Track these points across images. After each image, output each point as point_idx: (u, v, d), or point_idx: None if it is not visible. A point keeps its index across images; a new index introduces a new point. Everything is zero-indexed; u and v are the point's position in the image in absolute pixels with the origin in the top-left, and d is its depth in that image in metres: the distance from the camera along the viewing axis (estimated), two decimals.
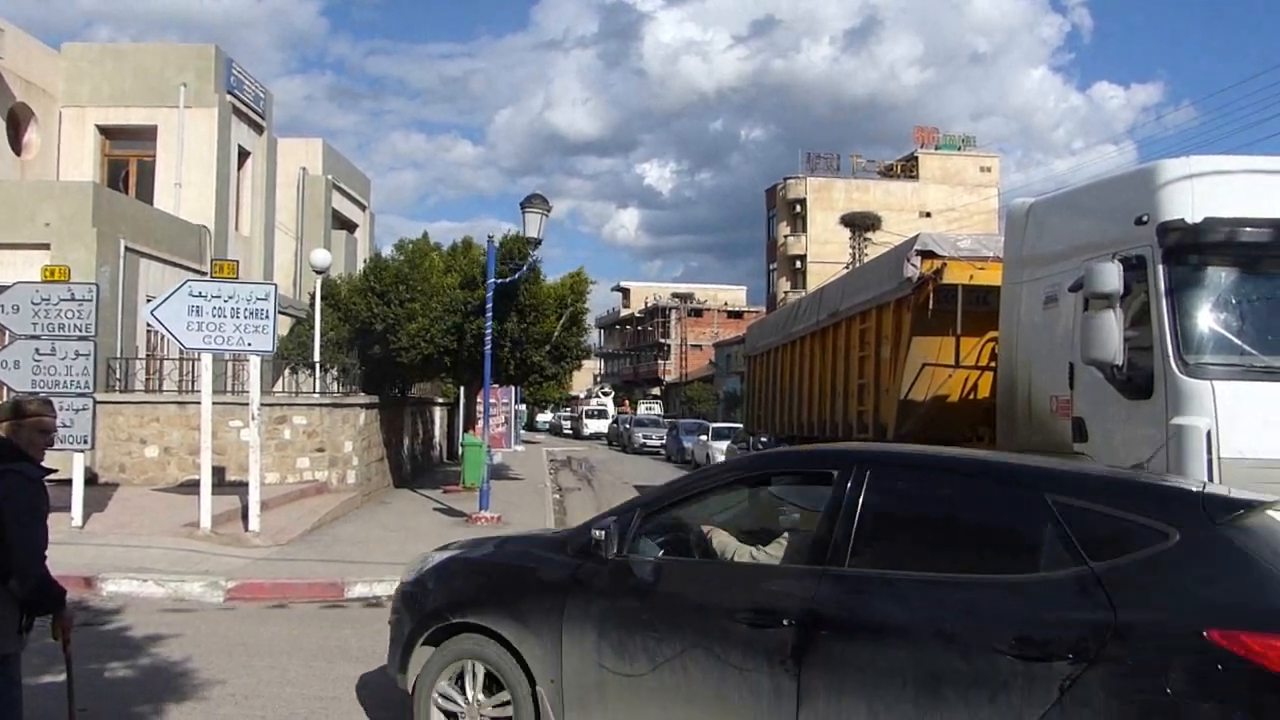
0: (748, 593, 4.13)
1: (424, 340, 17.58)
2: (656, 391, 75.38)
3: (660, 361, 78.46)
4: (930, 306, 9.59)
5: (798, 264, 58.77)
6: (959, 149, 62.46)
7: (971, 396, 9.74)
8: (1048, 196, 8.33)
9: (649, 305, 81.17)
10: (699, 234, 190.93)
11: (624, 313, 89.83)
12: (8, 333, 12.16)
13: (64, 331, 11.56)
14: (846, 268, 41.32)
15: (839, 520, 4.02)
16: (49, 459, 5.16)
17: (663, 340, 77.76)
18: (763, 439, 19.88)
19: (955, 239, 10.12)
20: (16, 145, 19.97)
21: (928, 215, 54.62)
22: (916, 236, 10.15)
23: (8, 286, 12.12)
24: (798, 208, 59.83)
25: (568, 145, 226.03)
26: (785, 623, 3.88)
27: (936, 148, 61.82)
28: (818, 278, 43.53)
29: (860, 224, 53.08)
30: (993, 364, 9.15)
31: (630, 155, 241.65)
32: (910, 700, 3.58)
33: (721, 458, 25.87)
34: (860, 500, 4.02)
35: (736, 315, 74.64)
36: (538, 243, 15.44)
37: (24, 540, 3.79)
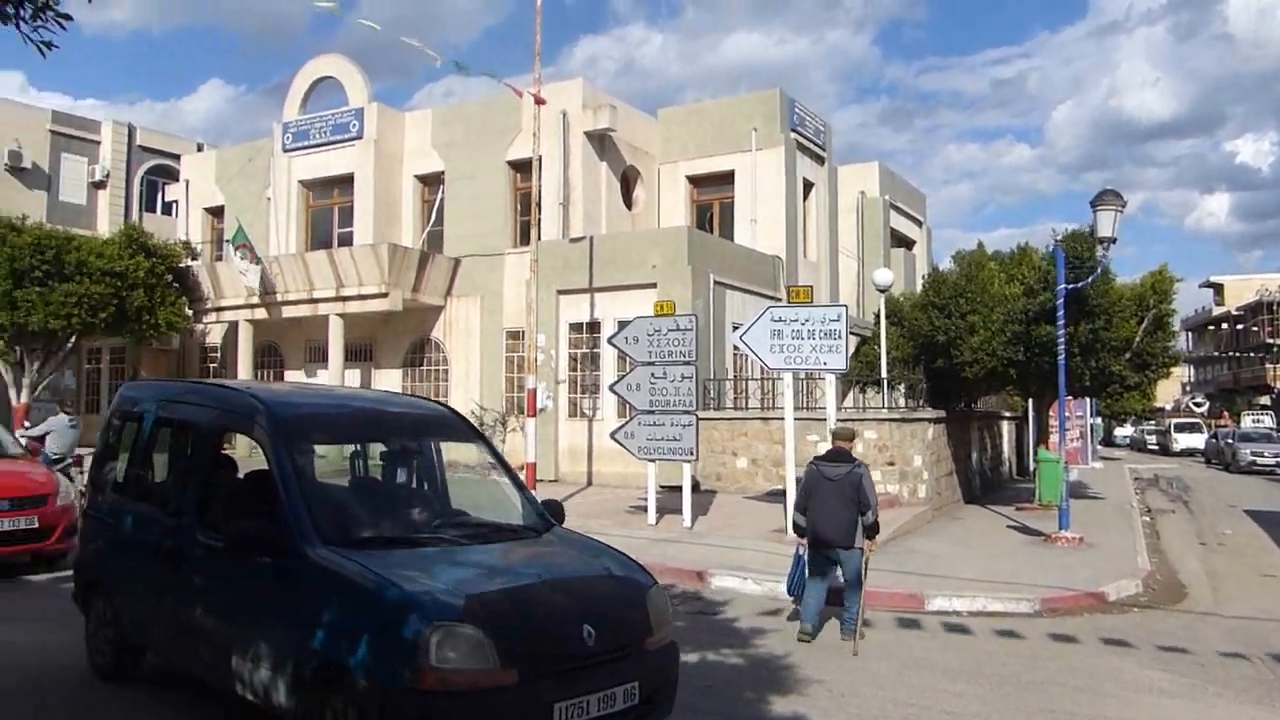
0: None
1: (986, 353, 17.15)
2: (1265, 401, 64.28)
3: (1269, 366, 66.80)
4: None
5: None
6: None
7: None
8: None
9: (1257, 300, 69.56)
10: None
11: (1216, 311, 78.18)
12: (628, 360, 14.40)
13: (672, 358, 13.36)
14: None
15: None
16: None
17: (1270, 340, 66.18)
18: None
19: None
20: (627, 201, 23.60)
21: None
22: None
23: (629, 321, 14.39)
24: None
25: (1137, 132, 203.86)
26: None
27: None
28: None
29: None
30: None
31: (1216, 133, 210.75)
32: None
33: None
34: None
35: None
36: (1112, 241, 14.22)
37: (875, 496, 8.13)
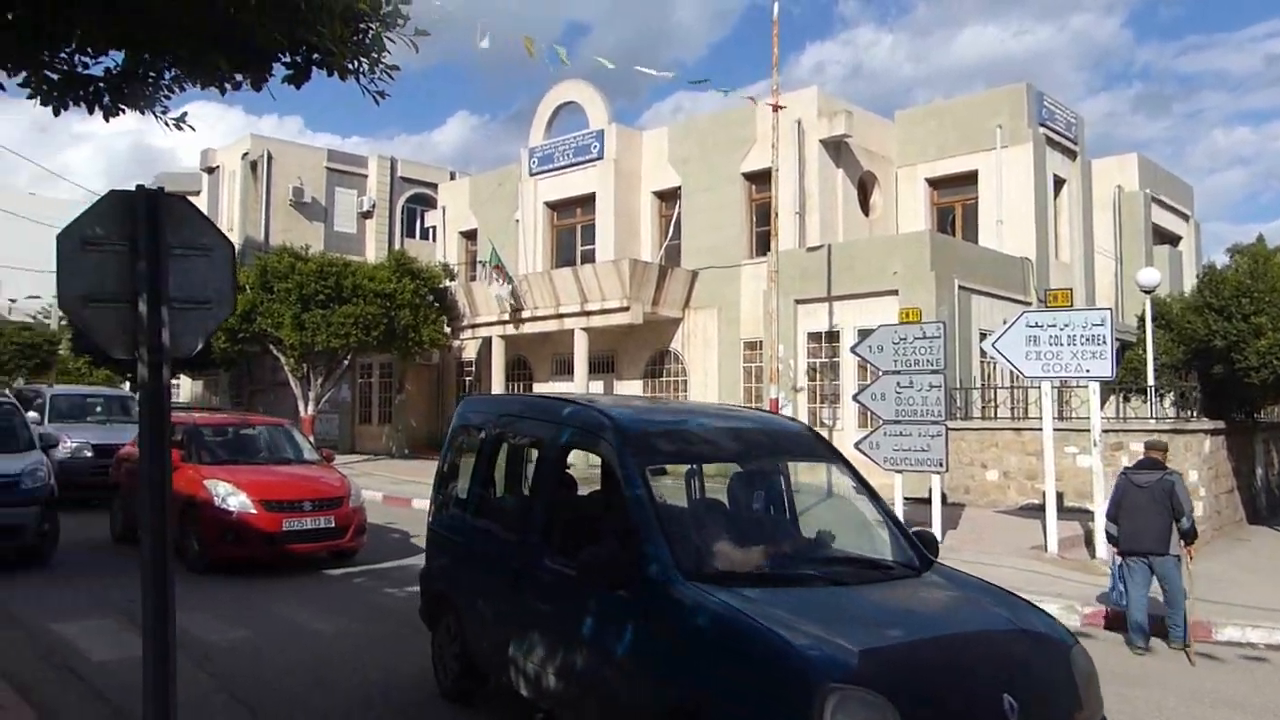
0: None
1: (1275, 358, 15.53)
2: None
3: None
4: None
5: None
6: None
7: None
8: None
9: None
10: None
11: None
12: (870, 369, 14.14)
13: (918, 366, 13.00)
14: None
15: None
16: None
17: None
18: None
19: None
20: (865, 207, 23.18)
21: None
22: None
23: (870, 330, 14.15)
24: None
25: None
26: None
27: None
28: None
29: None
30: None
31: None
32: None
33: None
34: None
35: None
36: None
37: (1189, 502, 8.35)
